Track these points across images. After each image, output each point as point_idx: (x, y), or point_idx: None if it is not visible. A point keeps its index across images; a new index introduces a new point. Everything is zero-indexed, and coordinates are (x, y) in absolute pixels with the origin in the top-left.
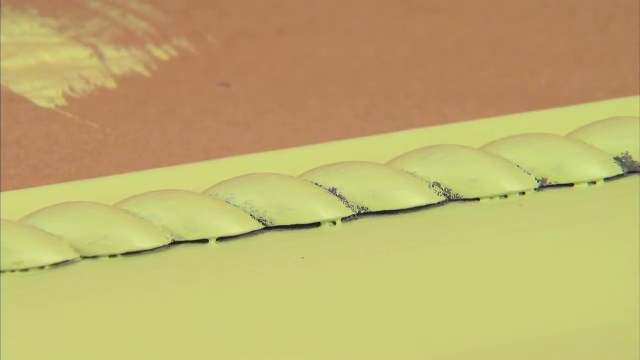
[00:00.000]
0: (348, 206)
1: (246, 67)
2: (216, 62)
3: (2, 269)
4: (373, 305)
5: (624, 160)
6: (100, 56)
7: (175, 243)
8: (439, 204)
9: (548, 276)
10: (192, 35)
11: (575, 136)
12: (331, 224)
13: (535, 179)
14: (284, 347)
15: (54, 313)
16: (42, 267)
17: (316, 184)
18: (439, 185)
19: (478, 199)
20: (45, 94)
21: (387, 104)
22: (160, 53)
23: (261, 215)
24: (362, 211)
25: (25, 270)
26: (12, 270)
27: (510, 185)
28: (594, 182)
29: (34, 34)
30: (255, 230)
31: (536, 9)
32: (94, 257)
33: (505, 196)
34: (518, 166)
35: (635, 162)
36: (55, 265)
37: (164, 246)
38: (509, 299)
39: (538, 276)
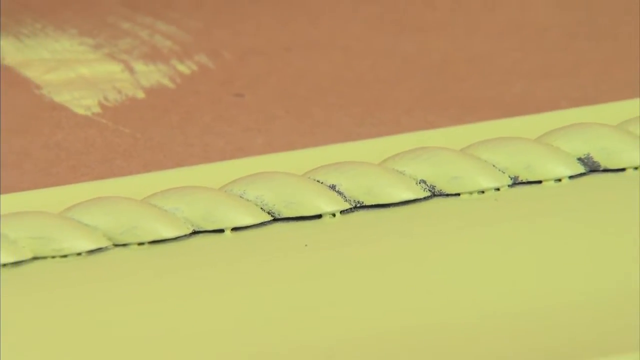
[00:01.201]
0: (346, 200)
1: (257, 80)
2: (231, 76)
3: (44, 255)
4: (367, 286)
5: (586, 160)
6: (131, 70)
7: (195, 233)
8: (425, 198)
9: (519, 262)
10: (211, 52)
11: (543, 140)
12: (331, 215)
13: (509, 176)
14: (289, 320)
15: (89, 294)
16: (79, 254)
17: (318, 181)
18: (424, 182)
19: (459, 194)
20: (83, 103)
21: (380, 112)
22: (183, 68)
23: (270, 208)
24: (358, 205)
25: (65, 256)
26: (53, 257)
27: (487, 182)
28: (559, 180)
29: (74, 51)
30: (265, 222)
31: (510, 29)
32: (124, 245)
33: (483, 192)
34: (494, 165)
35: (596, 162)
36: (91, 252)
37: (185, 235)
38: (483, 280)
39: (510, 261)
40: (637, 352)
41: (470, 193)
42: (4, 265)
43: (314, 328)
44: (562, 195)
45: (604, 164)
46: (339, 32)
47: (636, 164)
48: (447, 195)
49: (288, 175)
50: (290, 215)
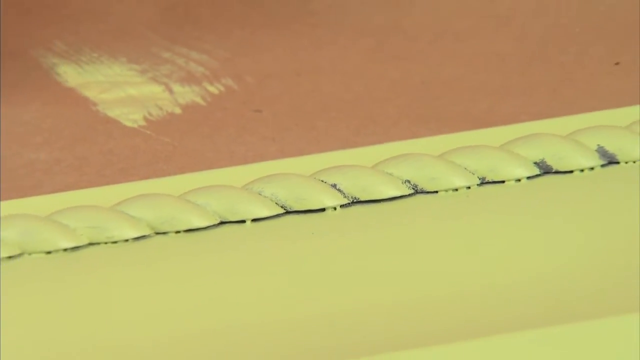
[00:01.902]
0: (345, 197)
1: (273, 99)
2: (251, 95)
3: (98, 242)
4: (362, 266)
5: (540, 164)
6: (170, 91)
7: (221, 223)
8: (409, 195)
9: (487, 246)
10: (235, 76)
11: (505, 147)
12: (333, 209)
13: (478, 177)
14: (298, 293)
15: (136, 275)
16: (126, 240)
17: (322, 181)
18: (409, 182)
19: (437, 191)
20: (131, 117)
21: (372, 125)
22: (212, 89)
23: (283, 203)
24: (355, 200)
25: (115, 242)
26: (106, 243)
27: (460, 182)
28: (519, 180)
29: (123, 75)
30: (278, 214)
31: (477, 57)
32: (164, 233)
33: (456, 190)
34: (465, 168)
35: (549, 165)
36: (136, 239)
37: (213, 225)
38: (458, 260)
39: (480, 246)
40: None
41: (446, 191)
42: (65, 249)
43: (318, 300)
44: (522, 192)
45: (556, 167)
46: (339, 60)
47: (582, 167)
48: (427, 192)
49: (297, 176)
50: (300, 209)
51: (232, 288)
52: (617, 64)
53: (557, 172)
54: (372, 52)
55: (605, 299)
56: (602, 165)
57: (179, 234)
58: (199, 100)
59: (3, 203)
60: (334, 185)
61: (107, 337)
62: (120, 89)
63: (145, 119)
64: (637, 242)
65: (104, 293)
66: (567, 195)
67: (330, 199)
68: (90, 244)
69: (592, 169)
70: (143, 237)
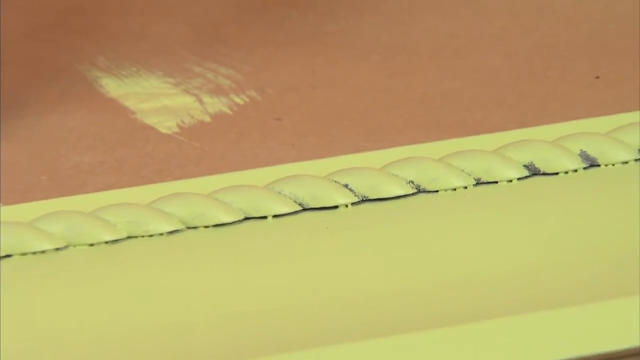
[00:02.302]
0: (355, 195)
1: (292, 109)
2: (273, 105)
3: (136, 235)
4: (370, 256)
5: (529, 166)
6: (201, 101)
7: (246, 219)
8: (413, 194)
9: (483, 238)
10: (258, 89)
11: (498, 152)
12: (345, 206)
13: (473, 178)
14: (314, 280)
15: (170, 263)
16: (161, 234)
17: (335, 181)
18: (412, 182)
19: (437, 191)
20: (166, 125)
21: (380, 132)
22: (238, 99)
23: (301, 201)
24: (365, 199)
25: (151, 236)
26: (142, 236)
27: (458, 182)
28: (510, 181)
29: (159, 87)
30: (296, 211)
31: (472, 72)
32: (195, 227)
33: (454, 189)
34: (462, 170)
35: (537, 168)
36: (170, 233)
37: (238, 220)
38: (458, 250)
39: (476, 238)
40: None
41: (446, 190)
42: (106, 242)
43: (332, 286)
44: (513, 192)
45: (543, 169)
46: (350, 75)
47: (567, 169)
48: (429, 192)
49: (313, 177)
50: (315, 206)
51: (255, 276)
52: (597, 78)
53: (544, 174)
54: (379, 68)
55: (589, 287)
56: (585, 168)
57: (207, 229)
58: (226, 109)
59: (52, 200)
60: (346, 185)
61: (144, 319)
62: (156, 100)
63: (178, 126)
64: (617, 236)
65: (141, 281)
66: (553, 195)
67: (342, 197)
68: (129, 237)
69: (575, 171)
70: (176, 231)
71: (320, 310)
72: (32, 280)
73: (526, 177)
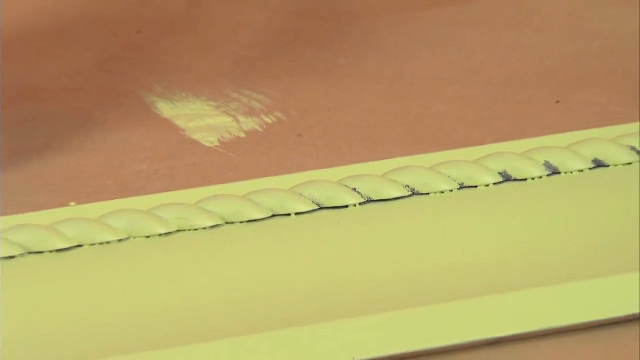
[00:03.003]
0: (362, 197)
1: (311, 127)
2: (295, 124)
3: (184, 229)
4: (375, 246)
5: (503, 174)
6: (237, 121)
7: (273, 216)
8: (408, 196)
9: (463, 232)
10: (283, 111)
11: (477, 162)
12: (354, 206)
13: (458, 183)
14: (328, 266)
15: (212, 252)
16: (205, 228)
17: (346, 185)
18: (408, 186)
19: (428, 193)
20: (209, 140)
21: (382, 146)
22: (268, 119)
23: (318, 202)
24: (369, 200)
25: (196, 229)
26: (189, 230)
27: (445, 186)
28: (488, 185)
29: (204, 110)
30: (314, 209)
31: (457, 97)
32: (232, 223)
33: (442, 192)
34: (449, 177)
35: (509, 175)
36: (212, 227)
37: (267, 217)
38: (448, 241)
39: (459, 233)
40: None
41: (435, 193)
42: (160, 235)
43: (342, 269)
44: (490, 194)
45: (514, 176)
46: (358, 99)
47: (533, 176)
48: (421, 194)
49: (328, 182)
50: (329, 206)
51: (281, 261)
52: (557, 102)
53: (515, 180)
54: (381, 94)
55: (555, 270)
56: (548, 175)
57: (242, 224)
58: (257, 127)
59: (116, 201)
60: (354, 189)
61: (193, 298)
62: (201, 120)
63: (219, 141)
64: (573, 230)
65: (189, 267)
66: (523, 198)
67: (351, 199)
68: (179, 230)
69: (540, 177)
70: (217, 226)
71: (334, 288)
72: (99, 266)
73: (500, 182)
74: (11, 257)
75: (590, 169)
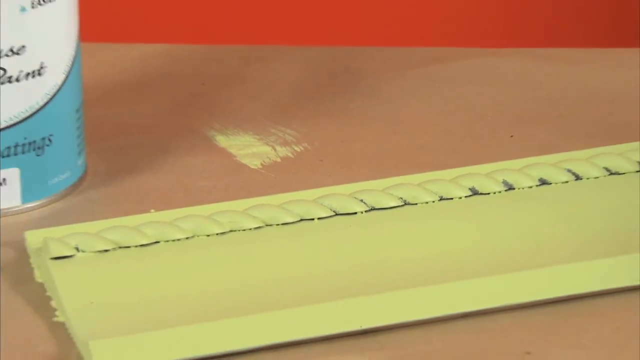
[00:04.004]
0: (367, 206)
1: (329, 154)
2: (318, 152)
3: (234, 229)
4: (377, 242)
5: (472, 189)
6: (275, 150)
7: (301, 220)
8: (401, 205)
9: (442, 231)
10: (309, 142)
11: (453, 180)
12: (361, 213)
13: (438, 196)
14: (343, 256)
15: (256, 249)
16: (250, 229)
17: (355, 197)
18: (401, 198)
19: (416, 204)
20: (254, 163)
21: (383, 168)
22: (297, 148)
23: (335, 209)
24: (373, 208)
25: (244, 230)
26: (239, 230)
27: (429, 198)
28: (461, 198)
29: (250, 141)
30: (331, 215)
31: (437, 133)
32: (270, 225)
33: (427, 203)
34: (431, 191)
35: (477, 190)
36: (256, 228)
37: (296, 221)
38: (427, 239)
39: (439, 231)
40: None
41: (421, 203)
42: (217, 234)
43: (353, 258)
44: (462, 205)
45: (481, 190)
46: (364, 134)
47: (495, 191)
48: (411, 204)
49: (342, 195)
50: (343, 212)
51: (306, 253)
52: (511, 136)
53: (481, 194)
54: (382, 130)
55: (509, 261)
56: (505, 190)
57: (278, 226)
58: (289, 154)
59: (185, 209)
60: (362, 200)
61: (242, 281)
62: (248, 149)
63: (261, 164)
64: (522, 232)
65: (240, 257)
66: (486, 207)
67: (359, 207)
68: (231, 230)
69: (500, 192)
70: (259, 227)
71: (346, 273)
72: (171, 257)
73: (470, 195)
74: (106, 251)
75: (537, 185)
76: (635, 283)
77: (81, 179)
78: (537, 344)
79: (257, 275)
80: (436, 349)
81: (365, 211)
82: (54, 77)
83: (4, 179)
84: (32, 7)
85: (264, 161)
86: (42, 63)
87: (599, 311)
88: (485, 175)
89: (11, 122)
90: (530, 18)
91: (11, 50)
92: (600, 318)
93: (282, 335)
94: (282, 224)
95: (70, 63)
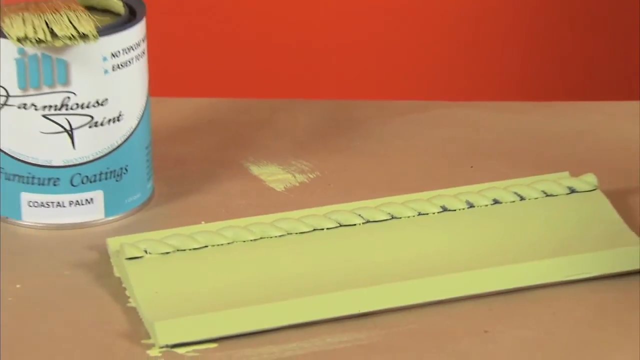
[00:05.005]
0: (363, 219)
1: (336, 179)
2: (327, 178)
3: (263, 237)
4: (372, 246)
5: (443, 207)
6: (294, 177)
7: (314, 230)
8: (390, 219)
9: (421, 237)
10: (320, 171)
11: (428, 200)
12: (359, 224)
13: (417, 212)
14: (345, 257)
15: (280, 251)
16: (276, 237)
17: (354, 212)
18: (389, 213)
19: (401, 217)
20: (279, 187)
21: (375, 191)
22: (311, 175)
23: (339, 222)
24: (368, 221)
25: (271, 237)
26: (268, 237)
27: (410, 214)
28: (435, 213)
29: (276, 170)
30: (336, 226)
31: (416, 164)
32: (291, 234)
33: (408, 217)
34: (412, 208)
35: (447, 207)
36: (280, 236)
37: (310, 230)
38: (407, 242)
39: (418, 237)
40: None
41: (404, 217)
42: (251, 240)
43: (355, 257)
44: (435, 218)
45: (449, 208)
46: (362, 166)
47: (459, 208)
48: (397, 218)
49: (345, 211)
50: (346, 224)
51: (317, 255)
52: (471, 167)
53: (449, 210)
54: (375, 163)
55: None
56: (468, 208)
57: (297, 234)
58: (305, 180)
59: (227, 221)
60: (360, 215)
61: (269, 275)
62: (274, 176)
63: (284, 188)
64: (479, 240)
65: (268, 257)
66: (453, 220)
67: (358, 220)
68: (261, 238)
69: (463, 209)
70: (283, 235)
71: (348, 270)
72: (217, 258)
73: (441, 212)
74: (167, 253)
75: (491, 204)
76: (567, 278)
77: (149, 198)
78: (493, 325)
79: (280, 271)
80: (416, 328)
81: (362, 223)
82: (129, 122)
83: (92, 199)
84: (113, 70)
85: (286, 185)
86: (120, 112)
87: (540, 300)
88: (453, 196)
89: (97, 156)
90: (486, 77)
91: (97, 102)
92: (541, 305)
93: (300, 317)
94: (300, 232)
95: (142, 111)
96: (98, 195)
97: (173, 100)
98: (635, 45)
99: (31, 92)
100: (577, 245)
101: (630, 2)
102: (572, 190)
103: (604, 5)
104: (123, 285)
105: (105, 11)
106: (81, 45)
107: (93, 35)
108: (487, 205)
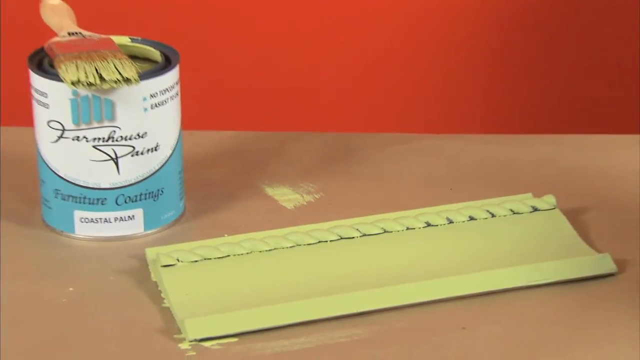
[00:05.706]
0: (360, 233)
1: (337, 199)
2: (330, 198)
3: (277, 248)
4: (369, 254)
5: (427, 222)
6: (302, 197)
7: (319, 242)
8: (382, 233)
9: (411, 247)
10: (324, 192)
11: (416, 217)
12: (357, 237)
13: (406, 227)
14: (346, 264)
15: (291, 259)
16: (284, 248)
17: (353, 227)
18: (383, 228)
19: (392, 231)
20: (289, 205)
21: (371, 208)
22: (317, 196)
23: (340, 235)
24: (364, 234)
25: (283, 248)
26: (280, 248)
27: (400, 228)
28: (420, 227)
29: (287, 191)
30: (338, 239)
31: (404, 188)
32: (300, 245)
33: (399, 231)
34: (402, 224)
35: (430, 223)
36: (290, 247)
37: (315, 242)
38: (405, 251)
39: (409, 247)
40: None
41: (396, 231)
42: (266, 250)
43: (350, 267)
44: (421, 232)
45: (432, 224)
46: (359, 187)
47: (442, 223)
48: (389, 232)
49: (345, 225)
50: (345, 237)
51: (320, 264)
52: (451, 189)
53: (432, 225)
54: (371, 186)
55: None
56: (448, 223)
57: (304, 245)
58: (311, 199)
59: (246, 234)
60: (357, 229)
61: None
62: (285, 196)
63: (294, 206)
64: (458, 251)
65: (279, 265)
66: (436, 234)
67: (356, 234)
68: (274, 249)
69: (444, 224)
70: (292, 246)
71: (347, 276)
72: (238, 266)
73: (425, 227)
74: (195, 262)
75: (467, 220)
76: (532, 283)
77: (181, 215)
78: (470, 322)
79: (290, 277)
80: (404, 325)
81: (360, 236)
82: (164, 152)
83: (133, 215)
84: (152, 108)
85: (295, 204)
86: (157, 143)
87: (510, 301)
88: (435, 213)
89: (137, 180)
90: (463, 114)
91: (138, 135)
92: (510, 306)
93: (307, 315)
94: (307, 244)
95: (176, 142)
96: (138, 212)
97: (202, 133)
98: (586, 85)
99: (83, 126)
100: (540, 255)
101: (586, 42)
102: (535, 209)
103: (555, 51)
104: (159, 288)
105: (145, 59)
106: (125, 87)
107: (135, 80)
108: (464, 221)
